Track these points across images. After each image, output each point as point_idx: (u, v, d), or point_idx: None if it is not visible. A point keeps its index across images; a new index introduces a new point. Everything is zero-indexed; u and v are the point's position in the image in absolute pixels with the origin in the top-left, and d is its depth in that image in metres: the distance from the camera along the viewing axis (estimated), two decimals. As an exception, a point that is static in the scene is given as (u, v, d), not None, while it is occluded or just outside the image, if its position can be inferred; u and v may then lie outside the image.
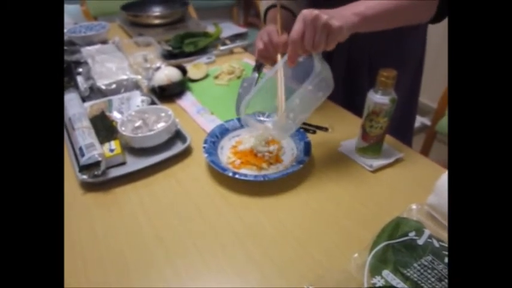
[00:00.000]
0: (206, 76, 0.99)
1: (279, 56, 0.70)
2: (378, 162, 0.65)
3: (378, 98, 0.61)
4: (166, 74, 0.87)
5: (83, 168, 0.61)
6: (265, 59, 0.75)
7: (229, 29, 1.51)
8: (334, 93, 0.91)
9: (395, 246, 0.46)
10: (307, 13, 0.53)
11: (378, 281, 0.42)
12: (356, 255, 0.47)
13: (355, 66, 0.87)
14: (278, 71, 0.67)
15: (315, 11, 0.52)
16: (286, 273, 0.47)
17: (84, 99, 0.84)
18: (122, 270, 0.48)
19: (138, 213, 0.57)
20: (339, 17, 0.54)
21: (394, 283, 0.42)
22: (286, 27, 0.67)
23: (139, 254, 0.51)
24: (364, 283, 0.43)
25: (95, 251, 0.51)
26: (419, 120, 2.12)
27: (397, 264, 0.44)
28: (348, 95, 0.89)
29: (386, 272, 0.43)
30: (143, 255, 0.50)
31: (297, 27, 0.54)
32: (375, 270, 0.44)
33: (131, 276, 0.48)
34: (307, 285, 0.43)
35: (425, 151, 1.44)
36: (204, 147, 0.65)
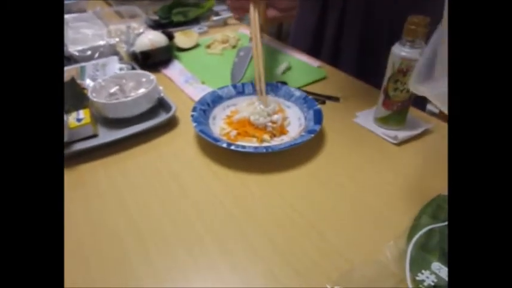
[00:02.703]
0: (197, 45, 0.87)
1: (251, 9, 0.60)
2: (403, 134, 0.54)
3: (406, 52, 0.49)
4: (150, 38, 0.74)
5: (40, 139, 0.48)
6: (237, 11, 0.66)
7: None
8: (348, 59, 0.81)
9: (443, 230, 0.35)
10: None
11: (427, 277, 0.31)
12: (391, 242, 0.35)
13: (372, 28, 0.76)
14: (252, 26, 0.60)
15: None
16: (301, 269, 0.35)
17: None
18: (84, 268, 0.36)
19: (109, 195, 0.45)
20: None
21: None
22: None
23: (108, 246, 0.39)
24: (407, 280, 0.31)
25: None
26: (427, 108, 2.02)
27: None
28: (363, 61, 0.78)
29: (437, 265, 0.32)
30: (113, 248, 0.38)
31: None
32: (419, 263, 0.33)
33: (92, 275, 0.36)
34: (331, 285, 0.32)
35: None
36: (192, 116, 0.54)
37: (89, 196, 0.45)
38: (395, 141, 0.53)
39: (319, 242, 0.38)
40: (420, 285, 0.30)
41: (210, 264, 0.36)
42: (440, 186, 0.43)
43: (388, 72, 0.53)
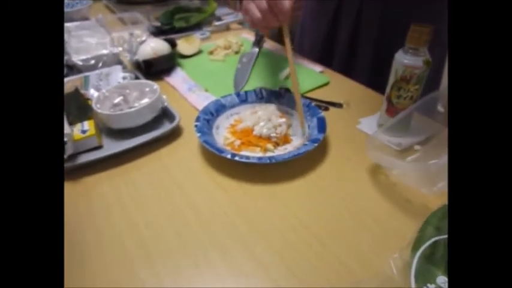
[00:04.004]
0: (199, 52, 0.87)
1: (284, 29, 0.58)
2: (407, 140, 0.54)
3: (409, 60, 0.49)
4: (153, 47, 0.75)
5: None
6: (262, 28, 0.62)
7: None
8: (361, 67, 0.80)
9: (448, 242, 0.35)
10: None
11: (432, 291, 0.31)
12: (396, 255, 0.35)
13: (387, 37, 0.75)
14: (286, 42, 0.57)
15: None
16: (304, 279, 0.36)
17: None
18: (89, 278, 0.37)
19: (113, 207, 0.46)
20: None
21: (455, 294, 0.30)
22: None
23: (113, 256, 0.39)
24: (413, 294, 0.31)
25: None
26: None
27: (454, 268, 0.32)
28: (377, 69, 0.78)
29: (442, 279, 0.32)
30: (119, 258, 0.39)
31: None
32: (424, 276, 0.32)
33: (104, 280, 0.36)
34: (335, 298, 0.32)
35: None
36: (196, 126, 0.54)
37: (95, 208, 0.45)
38: (399, 148, 0.53)
39: (322, 252, 0.39)
40: (426, 300, 0.30)
41: (213, 272, 0.37)
42: (446, 195, 0.42)
43: (391, 80, 0.53)
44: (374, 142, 0.48)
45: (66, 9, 1.04)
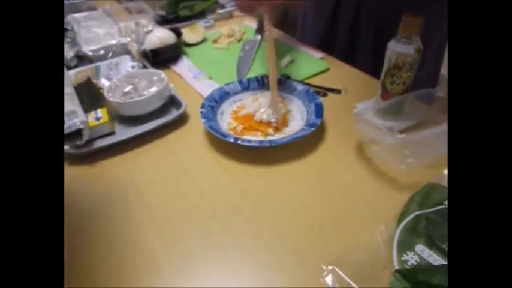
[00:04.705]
0: (204, 40, 0.90)
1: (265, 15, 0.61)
2: (399, 124, 0.57)
3: (401, 48, 0.52)
4: (159, 36, 0.78)
5: (64, 138, 0.53)
6: (246, 10, 0.65)
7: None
8: (362, 62, 0.82)
9: (429, 216, 0.39)
10: None
11: (411, 257, 0.35)
12: (382, 227, 0.39)
13: (386, 27, 0.77)
14: (268, 30, 0.60)
15: None
16: (300, 252, 0.40)
17: (71, 68, 0.76)
18: (109, 251, 0.42)
19: (128, 187, 0.50)
20: None
21: (430, 260, 0.34)
22: None
23: (128, 232, 0.44)
24: (394, 261, 0.35)
25: (81, 229, 0.44)
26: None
27: (432, 238, 0.36)
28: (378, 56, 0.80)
29: (420, 247, 0.36)
30: (133, 234, 0.43)
31: None
32: (405, 245, 0.37)
33: (119, 258, 0.41)
34: (326, 265, 0.36)
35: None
36: (201, 112, 0.58)
37: (111, 188, 0.50)
38: (391, 132, 0.57)
39: (317, 228, 0.43)
40: (405, 265, 0.35)
41: (218, 246, 0.41)
42: (430, 175, 0.46)
43: (385, 67, 0.56)
44: (362, 116, 0.51)
45: (73, 1, 1.07)
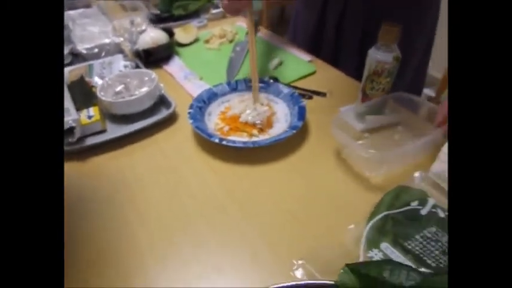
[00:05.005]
0: (196, 40, 0.92)
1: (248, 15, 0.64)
2: (378, 120, 0.59)
3: (380, 56, 0.55)
4: (152, 36, 0.80)
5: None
6: (231, 12, 0.68)
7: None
8: (349, 61, 0.85)
9: (396, 216, 0.42)
10: None
11: (375, 254, 0.38)
12: (352, 226, 0.42)
13: (371, 29, 0.80)
14: (250, 32, 0.63)
15: None
16: (277, 247, 0.43)
17: (65, 66, 0.78)
18: (98, 249, 0.44)
19: (118, 183, 0.53)
20: None
21: (393, 256, 0.37)
22: None
23: (115, 226, 0.46)
24: (360, 257, 0.38)
25: (69, 222, 0.47)
26: (424, 92, 2.05)
27: (397, 237, 0.39)
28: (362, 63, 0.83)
29: (384, 245, 0.39)
30: (120, 228, 0.46)
31: None
32: (372, 243, 0.40)
33: (106, 252, 0.43)
34: (297, 259, 0.39)
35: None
36: (189, 113, 0.60)
37: (102, 184, 0.53)
38: (358, 129, 0.59)
39: (293, 225, 0.46)
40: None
41: (202, 242, 0.44)
42: (402, 177, 0.49)
43: (365, 73, 0.58)
44: (338, 122, 0.54)
45: (69, -3, 1.08)
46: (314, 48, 0.90)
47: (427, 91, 2.05)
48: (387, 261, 0.35)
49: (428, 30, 0.83)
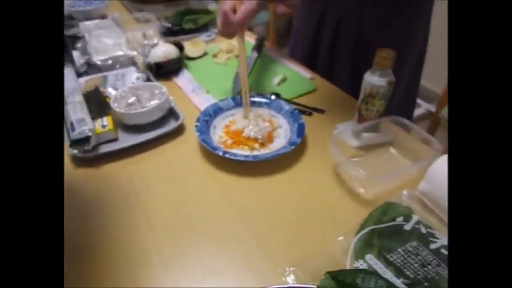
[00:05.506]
0: (204, 54, 0.97)
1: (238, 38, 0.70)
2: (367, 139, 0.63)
3: (375, 80, 0.59)
4: (163, 51, 0.85)
5: (74, 143, 0.60)
6: (226, 36, 0.73)
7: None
8: (341, 73, 0.90)
9: (382, 230, 0.46)
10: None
11: (361, 264, 0.42)
12: (341, 238, 0.46)
13: (363, 46, 0.84)
14: (240, 53, 0.69)
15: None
16: (272, 254, 0.47)
17: (81, 75, 0.83)
18: (107, 251, 0.49)
19: (127, 189, 0.57)
20: None
21: (376, 267, 0.41)
22: None
23: (125, 228, 0.51)
24: (347, 266, 0.42)
25: (83, 224, 0.51)
26: (424, 107, 2.09)
27: (381, 249, 0.43)
28: (355, 77, 0.88)
29: (369, 256, 0.43)
30: (129, 231, 0.50)
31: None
32: (358, 254, 0.43)
33: (116, 253, 0.48)
34: (289, 266, 0.43)
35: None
36: (196, 126, 0.65)
37: (113, 190, 0.57)
38: (358, 146, 0.63)
39: (289, 233, 0.50)
40: (355, 271, 0.41)
41: (204, 246, 0.48)
42: (391, 194, 0.53)
43: (361, 95, 0.63)
44: (336, 139, 0.58)
45: (85, 8, 1.14)
46: (310, 61, 0.95)
47: (428, 106, 2.08)
48: (361, 270, 0.39)
49: (418, 49, 0.87)
